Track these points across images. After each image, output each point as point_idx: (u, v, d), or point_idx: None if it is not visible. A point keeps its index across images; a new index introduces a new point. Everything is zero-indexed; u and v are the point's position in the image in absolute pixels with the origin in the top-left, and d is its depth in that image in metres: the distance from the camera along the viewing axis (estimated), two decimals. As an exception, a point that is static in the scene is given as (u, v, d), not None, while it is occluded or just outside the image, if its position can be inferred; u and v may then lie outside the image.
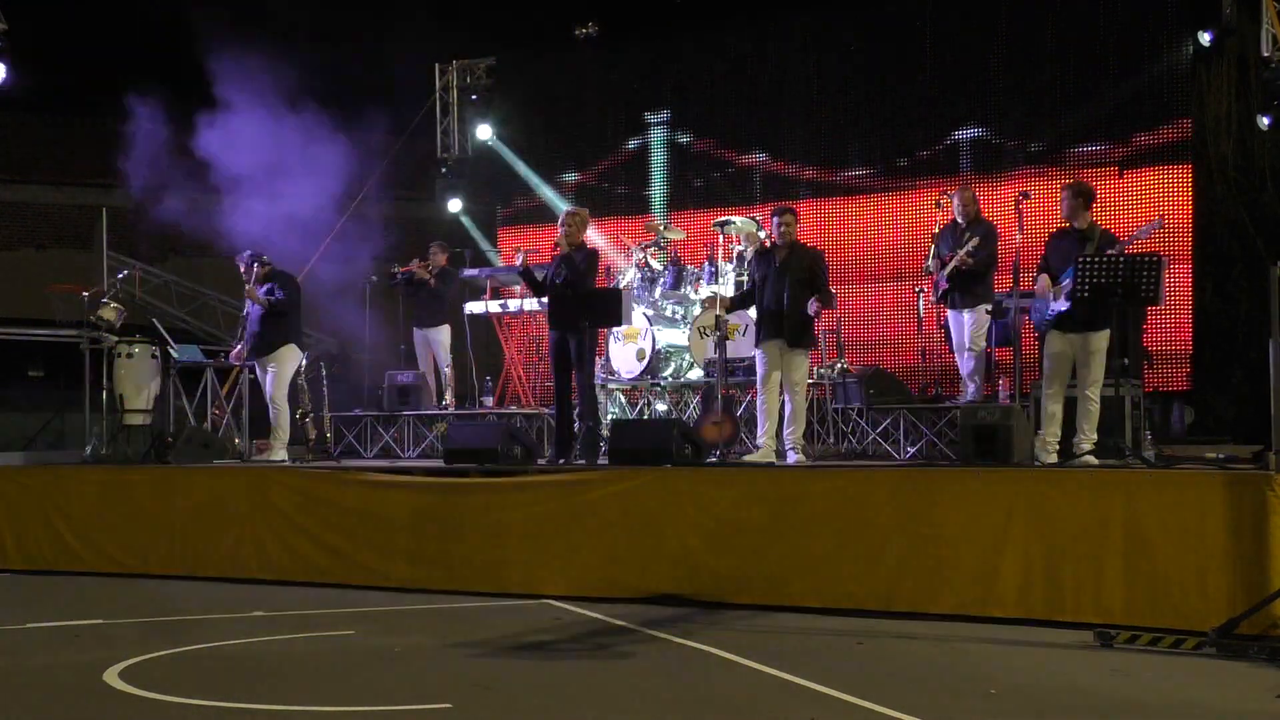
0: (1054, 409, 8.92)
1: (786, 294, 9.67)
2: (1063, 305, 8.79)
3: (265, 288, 11.34)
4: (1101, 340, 8.81)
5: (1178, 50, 12.65)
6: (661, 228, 12.73)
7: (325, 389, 12.35)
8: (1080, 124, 13.05)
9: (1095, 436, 8.82)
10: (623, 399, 12.59)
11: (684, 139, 15.26)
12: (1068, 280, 8.71)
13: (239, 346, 11.77)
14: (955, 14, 13.79)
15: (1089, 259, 8.56)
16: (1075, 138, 13.07)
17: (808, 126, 14.53)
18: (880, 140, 14.13)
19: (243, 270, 11.55)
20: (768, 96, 14.80)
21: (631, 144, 15.55)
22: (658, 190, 15.31)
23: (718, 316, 10.42)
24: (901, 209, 13.84)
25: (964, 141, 13.61)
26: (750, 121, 14.89)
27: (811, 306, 9.61)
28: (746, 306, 10.29)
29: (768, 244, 10.14)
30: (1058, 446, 8.94)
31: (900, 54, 14.01)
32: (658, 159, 15.38)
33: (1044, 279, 8.97)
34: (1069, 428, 8.98)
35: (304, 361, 11.72)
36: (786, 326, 9.68)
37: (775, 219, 9.90)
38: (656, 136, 15.41)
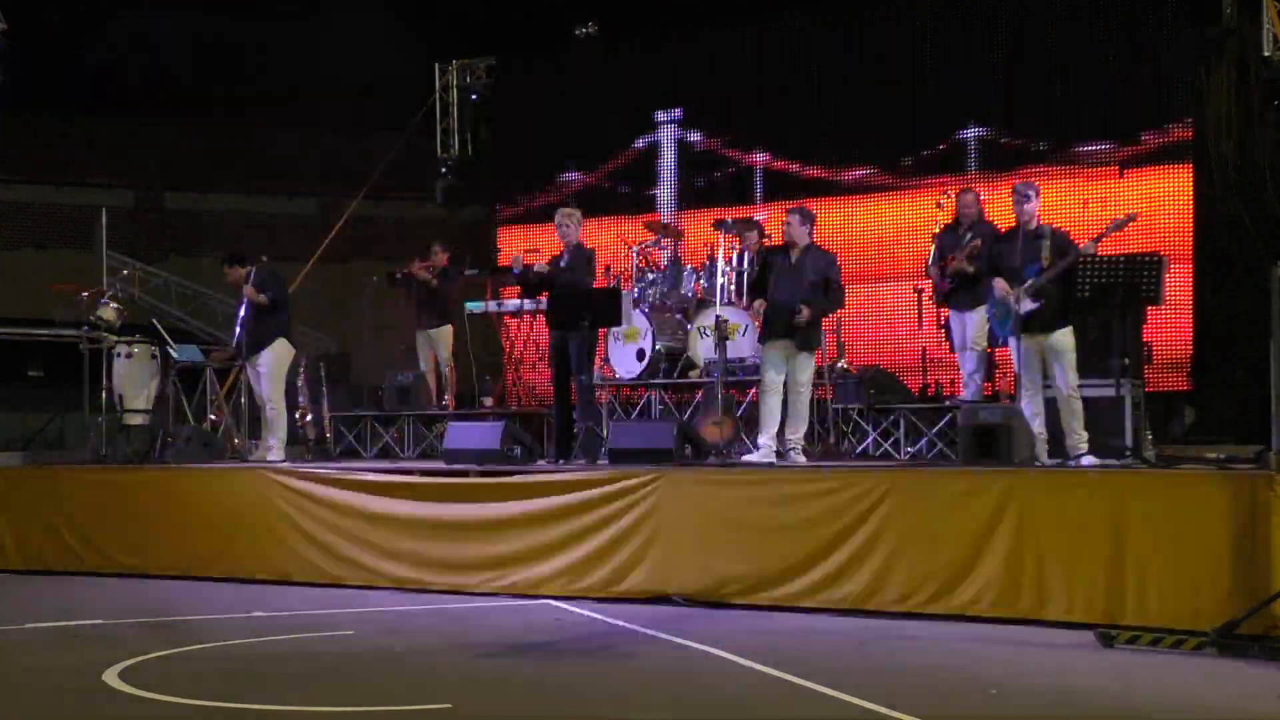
0: (1033, 409, 8.91)
1: (799, 296, 9.64)
2: (1029, 306, 8.77)
3: (256, 284, 11.37)
4: (1064, 338, 8.79)
5: (1178, 50, 12.64)
6: (661, 228, 12.72)
7: (325, 389, 12.34)
8: (1081, 124, 13.05)
9: (1086, 435, 8.80)
10: (623, 399, 12.59)
11: (686, 139, 15.25)
12: (1030, 280, 8.71)
13: (231, 346, 11.81)
14: (956, 14, 13.78)
15: (1090, 259, 8.57)
16: (1076, 138, 13.06)
17: (808, 125, 14.52)
18: (881, 140, 14.11)
19: (226, 272, 11.62)
20: (769, 95, 14.78)
21: (633, 144, 15.54)
22: (660, 190, 15.30)
23: (718, 316, 10.40)
24: (902, 209, 13.83)
25: (965, 141, 13.60)
26: (752, 120, 14.87)
27: (800, 315, 9.59)
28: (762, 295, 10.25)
29: (779, 242, 10.06)
30: (1045, 446, 8.93)
31: (901, 54, 14.00)
32: (662, 158, 15.36)
33: (1000, 282, 8.94)
34: (1056, 428, 8.95)
35: (304, 361, 11.71)
36: (798, 329, 9.65)
37: (791, 217, 9.82)
38: (660, 136, 15.39)
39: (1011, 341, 9.01)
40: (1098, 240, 8.85)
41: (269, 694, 6.21)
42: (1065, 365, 8.79)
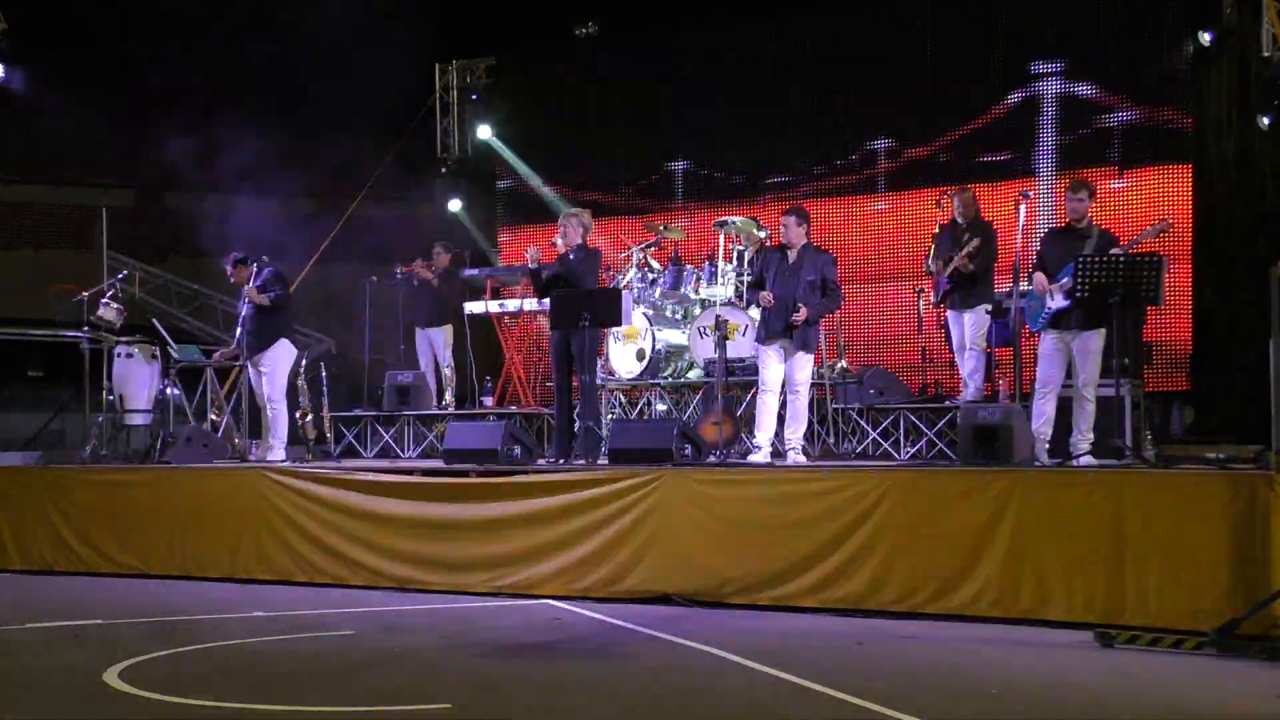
0: (1046, 407, 8.91)
1: (798, 296, 9.64)
2: (1060, 303, 8.79)
3: (259, 285, 11.37)
4: (1097, 339, 8.80)
5: (1178, 50, 12.65)
6: (661, 228, 12.72)
7: (325, 389, 12.33)
8: (1080, 124, 13.04)
9: (1092, 436, 8.81)
10: (623, 399, 12.59)
11: (684, 138, 15.24)
12: (1066, 278, 8.72)
13: (232, 346, 11.82)
14: (955, 12, 13.77)
15: (1089, 259, 8.56)
16: (1076, 137, 13.05)
17: (809, 125, 14.51)
18: (881, 139, 14.10)
19: (229, 273, 11.61)
20: (770, 95, 14.76)
21: (631, 144, 15.53)
22: (662, 189, 15.30)
23: (718, 316, 10.40)
24: (901, 209, 13.83)
25: (966, 141, 13.59)
26: (751, 120, 14.86)
27: (798, 315, 9.59)
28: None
29: (777, 242, 10.06)
30: (1048, 445, 8.94)
31: (901, 51, 13.98)
32: (661, 157, 15.37)
33: (1039, 277, 8.95)
34: (1063, 427, 8.96)
35: (304, 361, 11.72)
36: (796, 329, 9.65)
37: (787, 219, 9.83)
38: (656, 135, 15.39)
39: (1042, 339, 9.02)
40: (1132, 245, 8.88)
41: (269, 694, 6.21)
42: (1091, 365, 8.80)
